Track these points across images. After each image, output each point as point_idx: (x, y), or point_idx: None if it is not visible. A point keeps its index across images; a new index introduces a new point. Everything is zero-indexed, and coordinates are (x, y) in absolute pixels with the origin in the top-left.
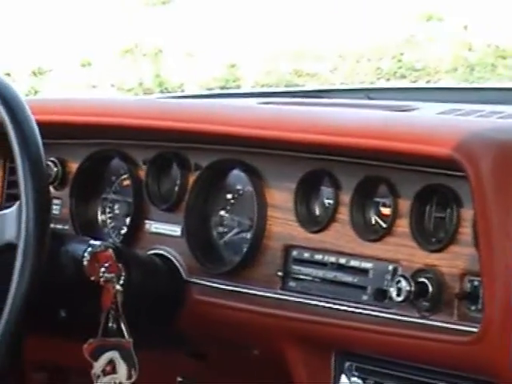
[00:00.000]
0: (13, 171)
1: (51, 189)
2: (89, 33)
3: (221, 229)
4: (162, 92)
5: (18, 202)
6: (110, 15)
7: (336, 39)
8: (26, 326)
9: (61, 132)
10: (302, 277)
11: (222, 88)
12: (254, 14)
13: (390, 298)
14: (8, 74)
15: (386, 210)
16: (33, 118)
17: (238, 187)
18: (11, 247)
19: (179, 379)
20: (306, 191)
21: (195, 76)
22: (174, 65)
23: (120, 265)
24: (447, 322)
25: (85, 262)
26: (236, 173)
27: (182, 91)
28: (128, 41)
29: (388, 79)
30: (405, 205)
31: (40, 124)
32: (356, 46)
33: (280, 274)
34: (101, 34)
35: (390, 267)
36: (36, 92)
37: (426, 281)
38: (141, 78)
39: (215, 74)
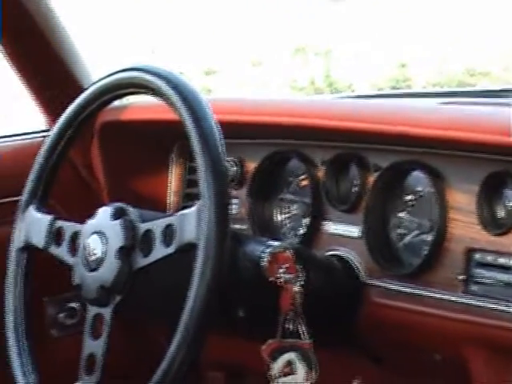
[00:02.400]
0: (192, 170)
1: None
2: (260, 32)
3: (400, 230)
4: (331, 92)
5: (198, 202)
6: (281, 14)
7: (510, 37)
8: (207, 325)
9: (240, 132)
10: (484, 280)
11: (393, 88)
12: (425, 13)
13: None
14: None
15: None
16: (213, 117)
17: (419, 188)
18: (191, 247)
19: (356, 381)
20: (489, 193)
21: (365, 76)
22: (344, 64)
23: (299, 266)
24: None
25: (263, 263)
26: (416, 174)
27: (352, 91)
28: (299, 40)
29: None
30: None
31: (219, 123)
32: None
33: (462, 277)
34: (272, 33)
35: None
36: (209, 91)
37: None
38: (312, 77)
39: (385, 73)
